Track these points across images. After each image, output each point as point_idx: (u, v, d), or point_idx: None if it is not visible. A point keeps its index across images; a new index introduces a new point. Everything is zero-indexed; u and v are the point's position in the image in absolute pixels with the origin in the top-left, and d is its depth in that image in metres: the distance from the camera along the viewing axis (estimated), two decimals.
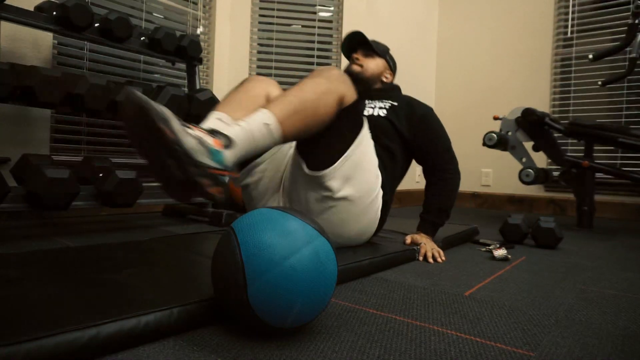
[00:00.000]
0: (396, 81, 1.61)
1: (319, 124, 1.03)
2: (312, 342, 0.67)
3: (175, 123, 0.74)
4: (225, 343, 0.66)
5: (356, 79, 1.43)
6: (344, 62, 2.92)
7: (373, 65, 1.51)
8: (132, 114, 0.75)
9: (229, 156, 0.84)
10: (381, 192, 1.26)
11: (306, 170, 1.10)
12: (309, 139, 1.07)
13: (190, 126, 0.79)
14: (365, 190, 1.17)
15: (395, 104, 1.44)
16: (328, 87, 1.02)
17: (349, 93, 1.07)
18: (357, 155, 1.12)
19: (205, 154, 0.77)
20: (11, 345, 0.53)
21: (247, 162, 1.21)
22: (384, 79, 1.55)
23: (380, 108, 1.43)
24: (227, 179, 0.82)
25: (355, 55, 1.53)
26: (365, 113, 1.43)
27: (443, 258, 1.33)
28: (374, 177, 1.20)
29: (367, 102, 1.47)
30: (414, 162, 1.49)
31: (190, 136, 0.76)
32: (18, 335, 0.54)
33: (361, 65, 1.51)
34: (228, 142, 0.84)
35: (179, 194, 0.82)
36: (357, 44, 1.53)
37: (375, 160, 1.21)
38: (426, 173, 1.46)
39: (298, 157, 1.13)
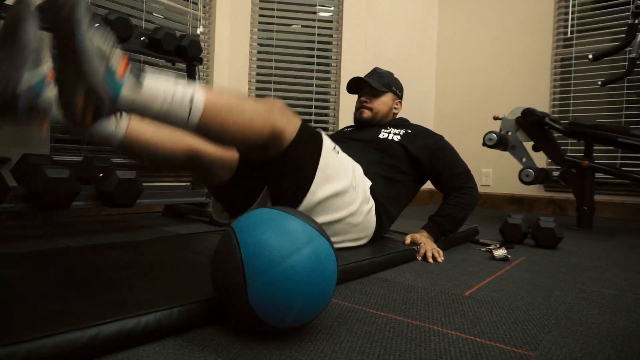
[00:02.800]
0: None
1: (239, 140, 0.94)
2: (312, 342, 0.67)
3: (85, 24, 0.68)
4: (225, 343, 0.66)
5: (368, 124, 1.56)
6: (344, 62, 2.93)
7: (382, 105, 1.57)
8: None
9: (126, 92, 0.74)
10: (371, 201, 1.26)
11: None
12: (274, 178, 1.06)
13: (107, 44, 0.72)
14: (341, 208, 1.14)
15: (409, 131, 1.51)
16: (267, 116, 0.94)
17: (289, 128, 1.00)
18: (319, 189, 1.08)
19: (101, 65, 0.70)
20: (11, 345, 0.53)
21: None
22: (394, 111, 1.62)
23: (395, 134, 1.49)
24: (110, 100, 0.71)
25: (363, 99, 1.58)
26: (380, 136, 1.49)
27: (442, 258, 1.33)
28: (348, 194, 1.15)
29: (382, 129, 1.53)
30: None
31: (95, 42, 0.69)
32: (18, 335, 0.54)
33: (371, 109, 1.56)
34: (136, 81, 0.75)
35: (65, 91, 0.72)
36: (362, 83, 1.57)
37: (345, 175, 1.15)
38: (445, 193, 1.51)
39: (267, 195, 1.12)
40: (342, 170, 1.14)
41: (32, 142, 1.81)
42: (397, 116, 1.65)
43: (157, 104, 0.78)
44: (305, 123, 1.05)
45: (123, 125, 0.98)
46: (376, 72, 1.59)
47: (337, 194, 1.11)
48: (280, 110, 0.98)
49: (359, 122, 1.59)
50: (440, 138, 1.53)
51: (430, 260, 1.31)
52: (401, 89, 1.63)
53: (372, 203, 1.27)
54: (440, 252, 1.35)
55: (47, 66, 0.82)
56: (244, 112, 0.90)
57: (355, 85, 1.60)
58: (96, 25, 0.71)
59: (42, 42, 0.79)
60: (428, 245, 1.36)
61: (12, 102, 0.76)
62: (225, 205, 1.22)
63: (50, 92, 0.83)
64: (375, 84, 1.53)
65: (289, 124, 1.00)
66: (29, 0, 0.71)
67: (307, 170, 1.06)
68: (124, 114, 0.84)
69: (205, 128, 0.85)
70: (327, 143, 1.10)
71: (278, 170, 1.06)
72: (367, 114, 1.56)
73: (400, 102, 1.63)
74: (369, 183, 1.28)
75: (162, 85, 0.78)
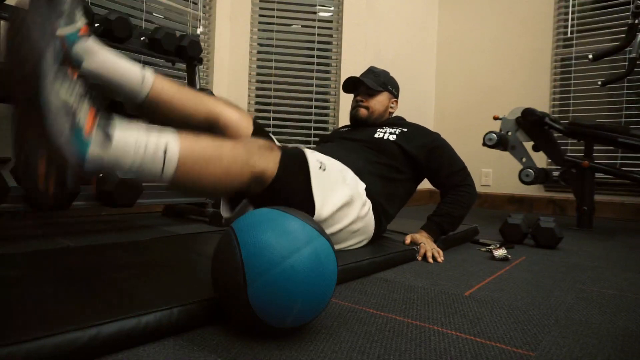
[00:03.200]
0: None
1: (219, 189, 0.92)
2: (312, 342, 0.67)
3: (51, 77, 0.62)
4: (225, 343, 0.66)
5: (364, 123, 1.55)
6: (344, 62, 2.93)
7: (378, 104, 1.57)
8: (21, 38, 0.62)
9: (94, 150, 0.68)
10: (368, 202, 1.26)
11: None
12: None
13: (74, 95, 0.66)
14: (342, 218, 1.14)
15: (405, 130, 1.50)
16: (244, 160, 0.91)
17: (270, 166, 0.98)
18: (322, 210, 1.07)
19: (66, 124, 0.63)
20: (11, 345, 0.53)
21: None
22: (390, 110, 1.62)
23: (391, 133, 1.48)
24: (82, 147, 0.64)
25: (359, 98, 1.57)
26: (376, 136, 1.48)
27: (442, 258, 1.33)
28: (347, 205, 1.15)
29: (378, 128, 1.52)
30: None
31: (62, 96, 0.63)
32: (18, 335, 0.54)
33: (367, 108, 1.56)
34: (106, 136, 0.69)
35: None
36: (358, 83, 1.57)
37: (338, 188, 1.14)
38: (443, 192, 1.50)
39: None
40: (334, 183, 1.13)
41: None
42: (394, 115, 1.65)
43: (129, 160, 0.72)
44: (285, 152, 1.03)
45: (148, 82, 0.97)
46: (372, 71, 1.59)
47: (336, 210, 1.11)
48: (259, 150, 0.95)
49: (355, 121, 1.59)
50: (436, 136, 1.53)
51: (430, 260, 1.31)
52: (397, 88, 1.63)
53: (369, 204, 1.26)
54: (440, 252, 1.35)
55: (81, 22, 0.79)
56: (221, 160, 0.86)
57: (351, 85, 1.59)
58: (63, 72, 0.64)
59: (76, 2, 0.75)
60: (428, 245, 1.36)
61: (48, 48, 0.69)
62: (233, 205, 1.21)
63: (84, 44, 0.81)
64: (370, 83, 1.53)
65: (269, 162, 0.97)
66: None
67: (302, 198, 1.04)
68: (148, 70, 0.81)
69: (181, 180, 0.81)
70: (313, 163, 1.08)
71: (272, 201, 1.04)
72: (363, 113, 1.56)
73: (396, 101, 1.63)
74: (362, 185, 1.27)
75: (133, 137, 0.73)
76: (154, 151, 0.75)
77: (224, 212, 1.24)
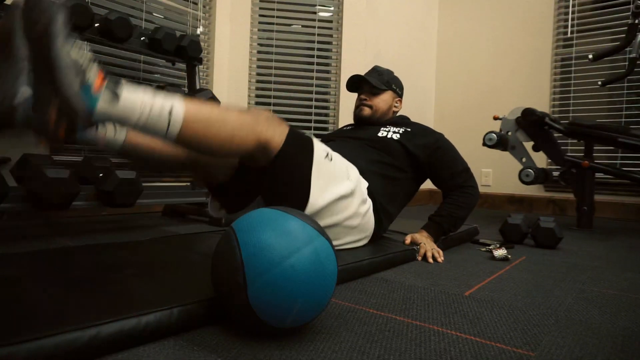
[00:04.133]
0: None
1: (222, 152, 0.95)
2: (312, 342, 0.67)
3: (62, 38, 0.68)
4: (225, 343, 0.66)
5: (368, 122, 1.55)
6: (344, 62, 2.93)
7: (382, 103, 1.56)
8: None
9: (102, 105, 0.74)
10: (368, 201, 1.25)
11: None
12: (268, 189, 1.06)
13: (84, 58, 0.72)
14: (338, 212, 1.13)
15: (409, 129, 1.49)
16: (251, 127, 0.93)
17: (276, 137, 0.99)
18: (319, 198, 1.07)
19: (76, 79, 0.70)
20: (11, 345, 0.53)
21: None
22: (394, 109, 1.61)
23: (395, 132, 1.47)
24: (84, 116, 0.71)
25: (362, 96, 1.57)
26: (380, 135, 1.47)
27: (442, 258, 1.33)
28: (345, 199, 1.14)
29: (381, 127, 1.51)
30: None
31: (72, 55, 0.70)
32: (18, 336, 0.54)
33: (370, 107, 1.55)
34: (113, 95, 0.74)
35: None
36: (361, 81, 1.56)
37: (341, 181, 1.13)
38: (445, 192, 1.50)
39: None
40: (338, 176, 1.13)
41: (32, 142, 1.81)
42: (398, 114, 1.64)
43: (135, 116, 0.77)
44: (293, 130, 1.04)
45: (123, 132, 0.99)
46: (376, 70, 1.59)
47: (333, 200, 1.10)
48: (266, 120, 0.97)
49: (359, 120, 1.59)
50: (440, 136, 1.51)
51: (430, 260, 1.31)
52: (401, 87, 1.62)
53: (369, 203, 1.26)
54: (440, 252, 1.35)
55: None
56: (226, 124, 0.90)
57: (354, 83, 1.59)
58: (73, 39, 0.71)
59: None
60: (428, 245, 1.35)
61: (11, 115, 0.75)
62: (223, 204, 1.22)
63: None
64: (374, 82, 1.52)
65: (275, 134, 0.98)
66: (18, 13, 0.71)
67: (300, 181, 1.04)
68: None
69: (186, 140, 0.85)
70: (319, 151, 1.08)
71: (271, 180, 1.05)
72: (366, 111, 1.55)
73: (401, 100, 1.62)
74: (365, 184, 1.27)
75: (139, 98, 0.78)
76: (160, 111, 0.79)
77: (212, 211, 1.24)
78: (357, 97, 1.60)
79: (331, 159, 1.12)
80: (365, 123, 1.57)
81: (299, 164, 1.05)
